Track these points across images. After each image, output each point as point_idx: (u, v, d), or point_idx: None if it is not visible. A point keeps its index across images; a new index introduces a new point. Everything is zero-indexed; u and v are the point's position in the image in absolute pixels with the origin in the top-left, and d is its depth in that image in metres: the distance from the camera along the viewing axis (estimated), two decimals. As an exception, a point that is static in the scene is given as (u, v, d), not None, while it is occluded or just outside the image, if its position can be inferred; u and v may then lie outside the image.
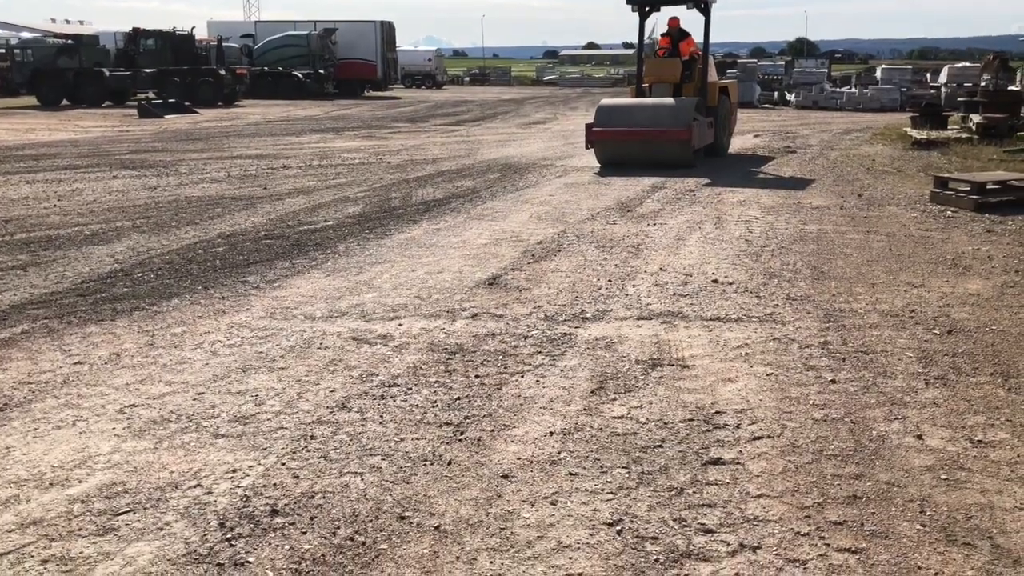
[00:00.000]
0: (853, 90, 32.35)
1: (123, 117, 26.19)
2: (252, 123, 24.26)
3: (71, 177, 12.19)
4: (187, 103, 29.39)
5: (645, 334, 5.01)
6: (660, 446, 3.56)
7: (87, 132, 20.97)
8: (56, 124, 23.16)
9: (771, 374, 4.35)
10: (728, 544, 2.84)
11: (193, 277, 6.43)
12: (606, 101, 14.01)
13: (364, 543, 2.83)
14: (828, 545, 2.83)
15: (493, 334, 5.02)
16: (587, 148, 13.41)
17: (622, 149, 12.98)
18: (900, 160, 13.86)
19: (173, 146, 17.15)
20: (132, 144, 17.68)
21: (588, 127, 13.29)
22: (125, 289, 6.09)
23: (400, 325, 5.21)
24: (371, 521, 2.96)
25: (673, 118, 12.71)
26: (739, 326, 5.14)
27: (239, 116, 27.36)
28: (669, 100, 13.33)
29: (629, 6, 14.06)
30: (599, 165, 13.16)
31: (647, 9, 14.28)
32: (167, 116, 26.57)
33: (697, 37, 14.31)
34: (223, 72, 34.41)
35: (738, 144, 17.21)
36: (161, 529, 2.90)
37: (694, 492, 3.17)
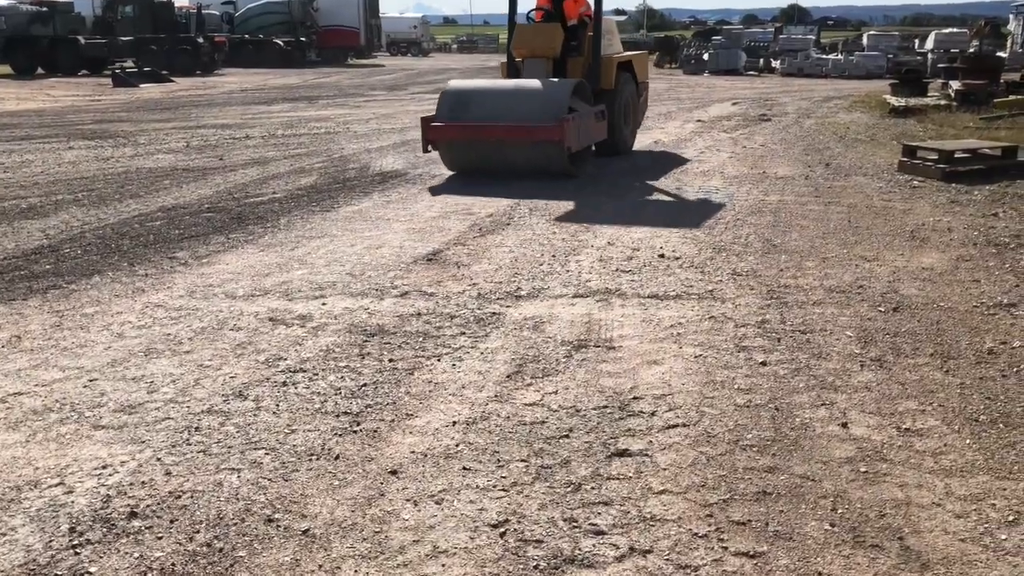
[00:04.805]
0: (839, 57, 31.97)
1: (97, 86, 25.74)
2: (226, 92, 23.85)
3: (24, 148, 11.85)
4: (164, 72, 28.90)
5: (577, 313, 4.78)
6: (567, 436, 3.34)
7: (56, 101, 20.56)
8: (27, 93, 22.70)
9: (699, 356, 4.12)
10: (617, 548, 2.63)
11: (121, 253, 6.16)
12: (454, 83, 10.12)
13: (221, 550, 2.61)
14: (725, 548, 2.62)
15: (419, 314, 4.79)
16: (425, 151, 9.48)
17: (473, 152, 9.21)
18: (875, 128, 13.58)
19: (139, 116, 16.77)
20: (98, 114, 17.30)
21: (425, 121, 9.28)
22: (47, 266, 5.83)
23: (323, 304, 4.97)
24: (235, 524, 2.74)
25: (540, 109, 8.84)
26: (676, 304, 4.91)
27: (215, 85, 26.91)
28: (536, 83, 9.36)
29: None
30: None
31: None
32: (142, 85, 26.14)
33: None
34: (201, 40, 33.85)
35: (714, 112, 16.92)
36: (4, 535, 2.68)
37: (592, 488, 2.96)
